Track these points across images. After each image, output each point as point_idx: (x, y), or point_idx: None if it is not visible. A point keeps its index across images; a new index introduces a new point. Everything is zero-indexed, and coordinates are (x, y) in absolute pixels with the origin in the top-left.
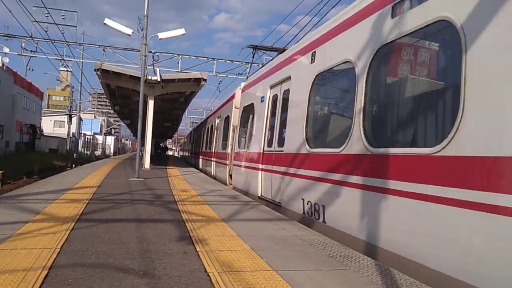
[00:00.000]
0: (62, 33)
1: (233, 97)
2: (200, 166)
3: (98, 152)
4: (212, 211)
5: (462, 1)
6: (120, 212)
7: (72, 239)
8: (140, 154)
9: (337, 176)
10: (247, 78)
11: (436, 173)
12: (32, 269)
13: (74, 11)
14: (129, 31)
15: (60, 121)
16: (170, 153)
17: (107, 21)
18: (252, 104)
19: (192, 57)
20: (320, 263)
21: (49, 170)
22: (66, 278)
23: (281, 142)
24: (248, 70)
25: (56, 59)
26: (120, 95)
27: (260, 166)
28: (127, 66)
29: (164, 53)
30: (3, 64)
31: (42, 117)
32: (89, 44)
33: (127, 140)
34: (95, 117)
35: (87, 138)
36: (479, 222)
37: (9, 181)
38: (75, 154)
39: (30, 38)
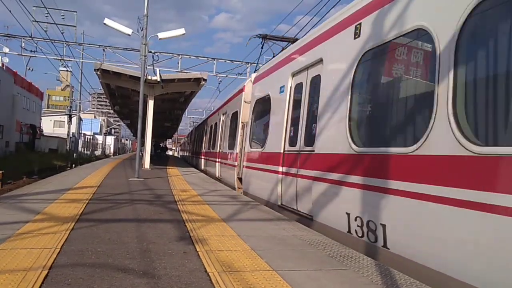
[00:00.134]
0: (62, 33)
1: (241, 90)
2: (202, 167)
3: (98, 152)
4: (212, 211)
5: None
6: (120, 212)
7: (72, 239)
8: (140, 154)
9: (409, 187)
10: (254, 71)
11: None
12: (32, 269)
13: (74, 11)
14: (129, 31)
15: (60, 121)
16: (170, 153)
17: (107, 21)
18: (268, 96)
19: (192, 57)
20: (320, 263)
21: (49, 170)
22: (66, 278)
23: (309, 140)
24: (248, 70)
25: (56, 59)
26: (120, 95)
27: (280, 169)
28: (127, 66)
29: (164, 53)
30: (3, 64)
31: (42, 117)
32: (89, 44)
33: (127, 140)
34: (95, 117)
35: (87, 138)
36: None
37: (9, 181)
38: (75, 154)
39: (30, 38)
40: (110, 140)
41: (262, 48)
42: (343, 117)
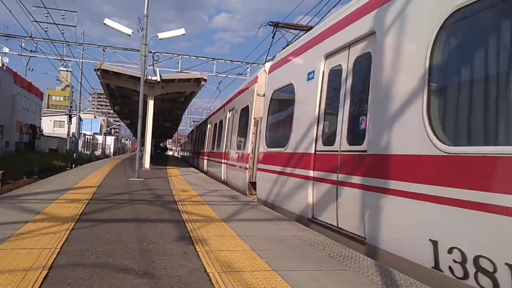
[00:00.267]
0: (62, 33)
1: (254, 81)
2: (205, 168)
3: (98, 152)
4: (212, 211)
5: None
6: (120, 212)
7: (72, 239)
8: (140, 154)
9: None
10: (265, 61)
11: None
12: (32, 269)
13: (74, 11)
14: (129, 31)
15: (60, 121)
16: (170, 153)
17: (107, 21)
18: (290, 86)
19: (192, 57)
20: (320, 263)
21: (49, 170)
22: (66, 278)
23: (355, 137)
24: (248, 70)
25: (56, 59)
26: (120, 95)
27: (311, 173)
28: (127, 66)
29: (164, 53)
30: (3, 64)
31: (42, 117)
32: (89, 44)
33: (127, 140)
34: (95, 117)
35: (87, 138)
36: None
37: (9, 181)
38: (75, 154)
39: (30, 38)
40: (110, 140)
41: (273, 37)
42: (417, 105)
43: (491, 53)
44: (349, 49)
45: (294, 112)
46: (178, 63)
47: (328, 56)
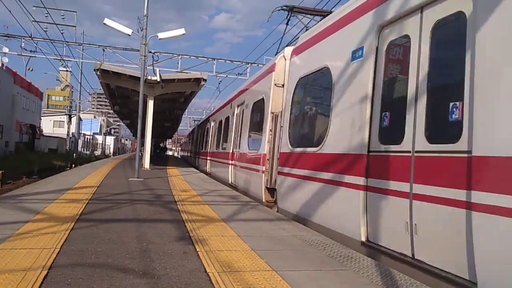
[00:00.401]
0: (62, 33)
1: (270, 70)
2: (208, 169)
3: (97, 152)
4: (212, 211)
5: None
6: (119, 212)
7: (72, 239)
8: (140, 154)
9: None
10: (277, 52)
11: None
12: (32, 269)
13: (74, 11)
14: (128, 31)
15: (59, 121)
16: (170, 153)
17: (106, 21)
18: (324, 70)
19: (192, 57)
20: (320, 263)
21: (49, 170)
22: (66, 278)
23: (443, 132)
24: (248, 70)
25: (56, 59)
26: (120, 95)
27: (362, 181)
28: (127, 66)
29: (164, 53)
30: (2, 64)
31: (42, 117)
32: (89, 44)
33: (126, 140)
34: (94, 117)
35: (87, 138)
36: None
37: (9, 181)
38: (74, 154)
39: (29, 38)
40: (110, 140)
41: (287, 24)
42: None
43: None
44: (421, 12)
45: (331, 102)
46: (178, 63)
47: (386, 26)
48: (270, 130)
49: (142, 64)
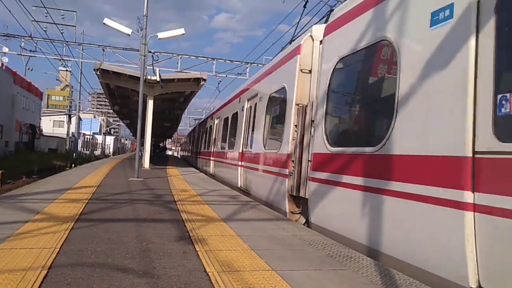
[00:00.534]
0: (62, 33)
1: (294, 53)
2: (212, 170)
3: (97, 152)
4: (212, 211)
5: None
6: (119, 211)
7: (72, 239)
8: (140, 154)
9: None
10: (292, 39)
11: None
12: (32, 269)
13: (74, 11)
14: (128, 31)
15: (59, 121)
16: (169, 153)
17: (106, 20)
18: (383, 43)
19: (191, 57)
20: (319, 263)
21: (49, 170)
22: (66, 278)
23: None
24: (247, 69)
25: (56, 59)
26: (120, 95)
27: (466, 196)
28: (127, 66)
29: (164, 53)
30: (2, 64)
31: (42, 117)
32: (89, 44)
33: (126, 140)
34: (94, 117)
35: (87, 138)
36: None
37: (9, 181)
38: (74, 154)
39: (29, 38)
40: (110, 140)
41: (305, 6)
42: None
43: None
44: None
45: (397, 85)
46: (177, 63)
47: None
48: (295, 126)
49: (141, 64)
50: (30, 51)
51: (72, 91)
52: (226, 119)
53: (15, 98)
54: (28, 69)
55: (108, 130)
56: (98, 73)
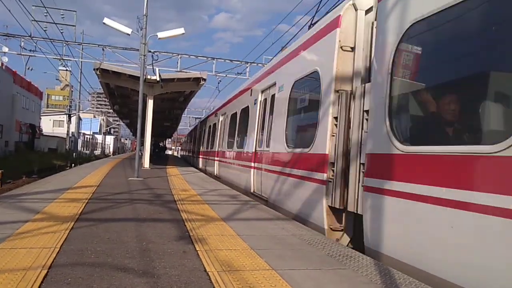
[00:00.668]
0: (61, 33)
1: (332, 26)
2: (216, 172)
3: (97, 152)
4: (212, 210)
5: None
6: (119, 211)
7: (72, 239)
8: (140, 154)
9: None
10: (311, 23)
11: None
12: (32, 268)
13: (74, 11)
14: (128, 30)
15: (59, 120)
16: (169, 152)
17: (106, 20)
18: None
19: (191, 56)
20: (319, 262)
21: (49, 169)
22: (66, 278)
23: None
24: (247, 69)
25: (55, 58)
26: (120, 94)
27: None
28: (127, 66)
29: (164, 52)
30: (2, 64)
31: (42, 117)
32: (89, 44)
33: (126, 139)
34: (94, 116)
35: (87, 137)
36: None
37: (9, 180)
38: (74, 154)
39: (29, 38)
40: (110, 139)
41: None
42: None
43: None
44: None
45: None
46: (177, 63)
47: None
48: (335, 118)
49: (141, 64)
50: (30, 50)
51: (72, 91)
52: (234, 115)
53: (15, 98)
54: (28, 68)
55: (108, 130)
56: (98, 72)
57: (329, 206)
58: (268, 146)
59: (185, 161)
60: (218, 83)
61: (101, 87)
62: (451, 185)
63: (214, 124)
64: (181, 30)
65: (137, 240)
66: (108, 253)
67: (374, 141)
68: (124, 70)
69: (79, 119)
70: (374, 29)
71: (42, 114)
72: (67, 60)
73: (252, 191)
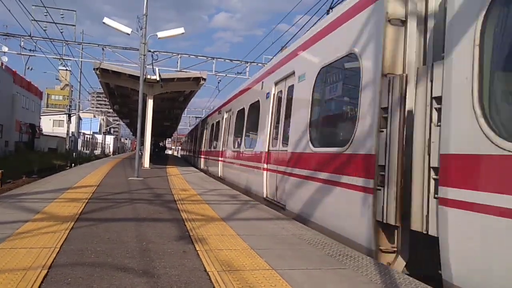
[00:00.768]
0: (61, 32)
1: None
2: (220, 173)
3: (97, 152)
4: (212, 210)
5: None
6: (119, 211)
7: (72, 239)
8: (140, 153)
9: None
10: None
11: None
12: (32, 268)
13: (73, 10)
14: (128, 30)
15: (59, 120)
16: (169, 152)
17: (106, 20)
18: None
19: (191, 56)
20: (319, 262)
21: (49, 169)
22: (66, 278)
23: None
24: (247, 69)
25: (55, 58)
26: (120, 94)
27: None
28: (126, 65)
29: (164, 52)
30: (2, 63)
31: (42, 117)
32: (88, 43)
33: (126, 139)
34: (94, 116)
35: (87, 137)
36: None
37: (9, 180)
38: (74, 154)
39: (29, 37)
40: (110, 139)
41: None
42: None
43: None
44: None
45: None
46: (177, 62)
47: None
48: (383, 109)
49: (141, 63)
50: (30, 50)
51: (72, 91)
52: (241, 111)
53: (15, 98)
54: (28, 68)
55: (108, 130)
56: (98, 72)
57: (377, 221)
58: (284, 145)
59: (186, 161)
60: (218, 82)
61: (101, 87)
62: None
63: (218, 122)
64: (181, 30)
65: (137, 240)
66: (108, 253)
67: (457, 138)
68: (124, 70)
69: (79, 118)
70: None
71: (42, 114)
72: (67, 60)
73: (264, 196)
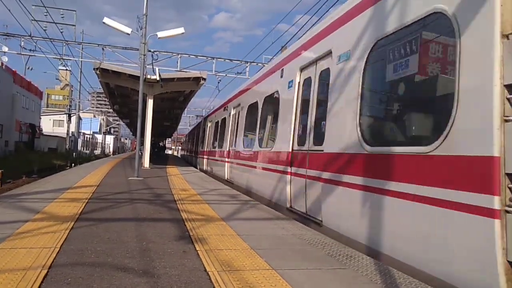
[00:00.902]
0: (61, 32)
1: None
2: (227, 176)
3: (97, 151)
4: (212, 210)
5: None
6: (119, 211)
7: (72, 238)
8: (140, 153)
9: None
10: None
11: None
12: (32, 268)
13: (73, 10)
14: (128, 30)
15: (59, 120)
16: (169, 152)
17: (106, 20)
18: None
19: (191, 56)
20: (319, 262)
21: (49, 169)
22: (66, 277)
23: None
24: (247, 69)
25: (55, 58)
26: (120, 94)
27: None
28: (126, 65)
29: (164, 52)
30: (2, 63)
31: (42, 116)
32: (88, 43)
33: (126, 139)
34: (94, 116)
35: (87, 137)
36: None
37: (9, 180)
38: (74, 153)
39: (29, 37)
40: (110, 139)
41: None
42: None
43: None
44: None
45: None
46: (177, 62)
47: None
48: (507, 87)
49: (141, 63)
50: (30, 50)
51: (72, 91)
52: (253, 106)
53: (15, 98)
54: (28, 68)
55: (108, 130)
56: (98, 72)
57: (509, 262)
58: (317, 144)
59: (186, 161)
60: (218, 82)
61: (101, 87)
62: None
63: (223, 119)
64: (181, 30)
65: (137, 240)
66: (108, 253)
67: None
68: (124, 70)
69: (79, 118)
70: None
71: (42, 114)
72: (67, 59)
73: (288, 206)
